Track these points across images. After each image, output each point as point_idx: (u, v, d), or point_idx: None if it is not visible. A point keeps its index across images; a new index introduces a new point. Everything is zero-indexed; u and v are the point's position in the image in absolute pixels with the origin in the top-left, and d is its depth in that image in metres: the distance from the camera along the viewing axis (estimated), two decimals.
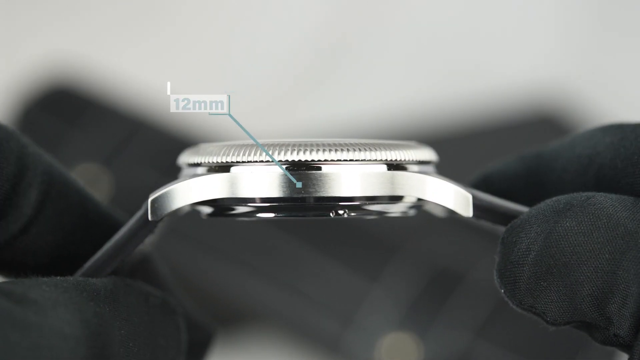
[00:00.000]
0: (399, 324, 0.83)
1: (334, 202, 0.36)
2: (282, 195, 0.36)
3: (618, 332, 0.35)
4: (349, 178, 0.36)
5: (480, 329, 0.82)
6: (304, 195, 0.36)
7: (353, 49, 1.13)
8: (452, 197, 0.38)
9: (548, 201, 0.37)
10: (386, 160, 0.37)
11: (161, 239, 0.85)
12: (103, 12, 1.15)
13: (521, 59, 1.19)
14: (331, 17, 1.17)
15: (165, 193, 0.37)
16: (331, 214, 0.37)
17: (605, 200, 0.36)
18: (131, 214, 0.77)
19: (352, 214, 0.37)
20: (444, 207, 0.38)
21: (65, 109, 0.90)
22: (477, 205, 0.38)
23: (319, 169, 0.36)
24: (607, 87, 1.16)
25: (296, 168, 0.36)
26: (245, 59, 1.10)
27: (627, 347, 0.36)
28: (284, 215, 0.37)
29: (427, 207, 0.40)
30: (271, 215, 0.37)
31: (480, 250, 0.85)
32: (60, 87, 0.92)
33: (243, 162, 0.36)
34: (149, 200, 0.37)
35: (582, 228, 0.36)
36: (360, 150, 0.36)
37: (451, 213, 0.39)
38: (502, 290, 0.37)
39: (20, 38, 1.09)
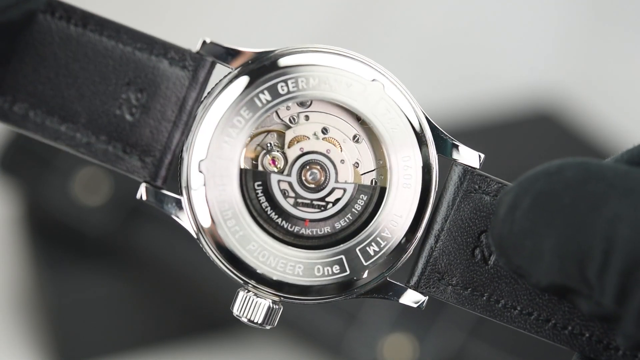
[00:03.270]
0: (396, 325, 0.83)
1: None
2: None
3: (601, 299, 0.34)
4: None
5: (476, 328, 0.82)
6: None
7: (353, 49, 1.13)
8: None
9: (544, 164, 0.37)
10: None
11: (162, 239, 0.85)
12: (103, 7, 1.14)
13: (521, 59, 1.19)
14: (333, 19, 1.17)
15: None
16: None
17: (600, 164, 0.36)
18: (131, 214, 0.79)
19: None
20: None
21: None
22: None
23: None
24: (606, 87, 1.16)
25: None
26: None
27: (613, 321, 0.35)
28: None
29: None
30: None
31: None
32: None
33: None
34: None
35: (568, 192, 0.35)
36: None
37: None
38: (493, 248, 0.37)
39: None
